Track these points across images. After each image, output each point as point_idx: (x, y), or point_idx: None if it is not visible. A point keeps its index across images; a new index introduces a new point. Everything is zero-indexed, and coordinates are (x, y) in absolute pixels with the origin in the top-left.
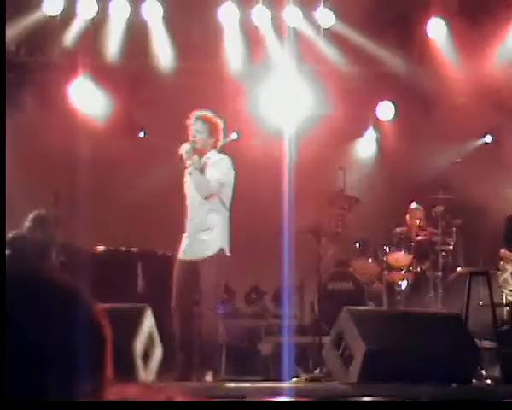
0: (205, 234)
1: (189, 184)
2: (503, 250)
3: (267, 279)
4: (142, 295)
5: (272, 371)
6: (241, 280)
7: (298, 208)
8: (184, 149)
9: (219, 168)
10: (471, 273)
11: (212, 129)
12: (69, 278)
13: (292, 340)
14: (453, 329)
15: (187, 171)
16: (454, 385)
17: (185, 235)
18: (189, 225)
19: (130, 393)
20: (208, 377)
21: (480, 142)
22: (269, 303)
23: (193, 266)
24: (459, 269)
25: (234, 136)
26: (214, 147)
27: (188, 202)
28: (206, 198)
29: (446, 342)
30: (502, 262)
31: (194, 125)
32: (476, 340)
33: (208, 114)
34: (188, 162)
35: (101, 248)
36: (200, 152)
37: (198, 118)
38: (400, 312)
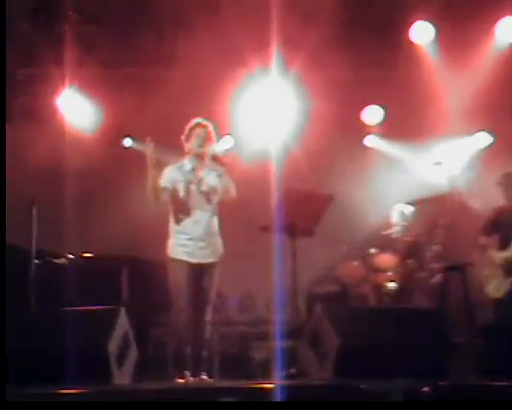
0: (213, 238)
1: (198, 185)
2: (483, 238)
3: (258, 285)
4: (126, 299)
5: (264, 376)
6: (233, 286)
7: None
8: (209, 150)
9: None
10: (446, 269)
11: (214, 138)
12: None
13: (282, 344)
14: (428, 324)
15: (200, 173)
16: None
17: (189, 237)
18: (194, 227)
19: None
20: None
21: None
22: (261, 310)
23: (199, 270)
24: (434, 265)
25: (229, 142)
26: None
27: (191, 203)
28: (212, 202)
29: (421, 337)
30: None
31: (201, 132)
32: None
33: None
34: (209, 165)
35: (86, 254)
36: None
37: (203, 126)
38: (374, 308)
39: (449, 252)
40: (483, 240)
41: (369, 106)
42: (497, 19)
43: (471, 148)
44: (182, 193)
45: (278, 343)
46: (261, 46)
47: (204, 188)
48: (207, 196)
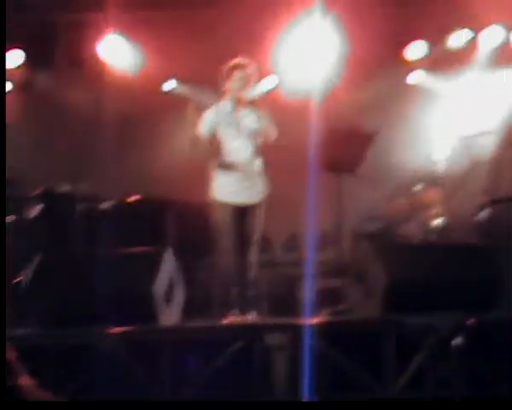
0: (256, 178)
1: (238, 127)
2: None
3: (304, 225)
4: (173, 241)
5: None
6: (278, 227)
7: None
8: (250, 92)
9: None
10: (493, 202)
11: (255, 79)
12: None
13: (328, 283)
14: (474, 259)
15: (240, 115)
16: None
17: (232, 178)
18: (237, 169)
19: None
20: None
21: None
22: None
23: (243, 210)
24: (481, 200)
25: (271, 82)
26: None
27: (232, 145)
28: (253, 144)
29: (467, 272)
30: None
31: (242, 74)
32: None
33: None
34: (249, 106)
35: (132, 198)
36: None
37: (244, 66)
38: (421, 243)
39: (496, 186)
40: None
41: (413, 42)
42: None
43: None
44: (222, 136)
45: (325, 282)
46: None
47: (244, 129)
48: (247, 137)
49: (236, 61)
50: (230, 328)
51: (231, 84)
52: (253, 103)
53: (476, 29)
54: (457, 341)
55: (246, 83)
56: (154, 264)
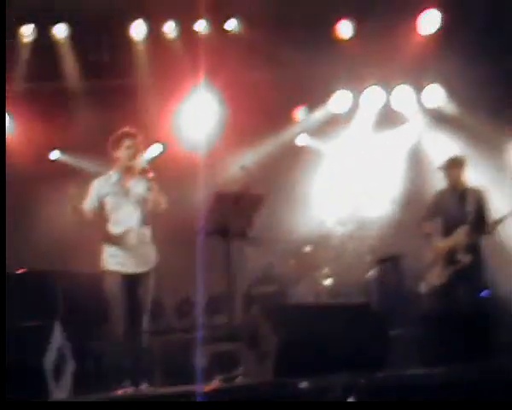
0: (144, 247)
1: (125, 196)
2: (426, 225)
3: (196, 290)
4: (62, 313)
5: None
6: (170, 295)
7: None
8: (139, 162)
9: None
10: (380, 261)
11: (142, 148)
12: None
13: (222, 348)
14: (364, 318)
15: (128, 184)
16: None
17: (120, 248)
18: (124, 238)
19: None
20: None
21: None
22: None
23: (132, 280)
24: (369, 259)
25: (158, 149)
26: None
27: (120, 215)
28: (141, 212)
29: (357, 331)
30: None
31: (131, 143)
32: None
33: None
34: (137, 176)
35: (19, 270)
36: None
37: (132, 136)
38: (311, 304)
39: (384, 245)
40: (427, 227)
41: (298, 104)
42: (418, 12)
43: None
44: (110, 206)
45: (218, 347)
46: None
47: (132, 199)
48: (136, 206)
49: (124, 130)
50: (122, 400)
51: (120, 153)
52: (141, 172)
53: (357, 90)
54: (350, 400)
55: (134, 151)
56: (42, 337)
